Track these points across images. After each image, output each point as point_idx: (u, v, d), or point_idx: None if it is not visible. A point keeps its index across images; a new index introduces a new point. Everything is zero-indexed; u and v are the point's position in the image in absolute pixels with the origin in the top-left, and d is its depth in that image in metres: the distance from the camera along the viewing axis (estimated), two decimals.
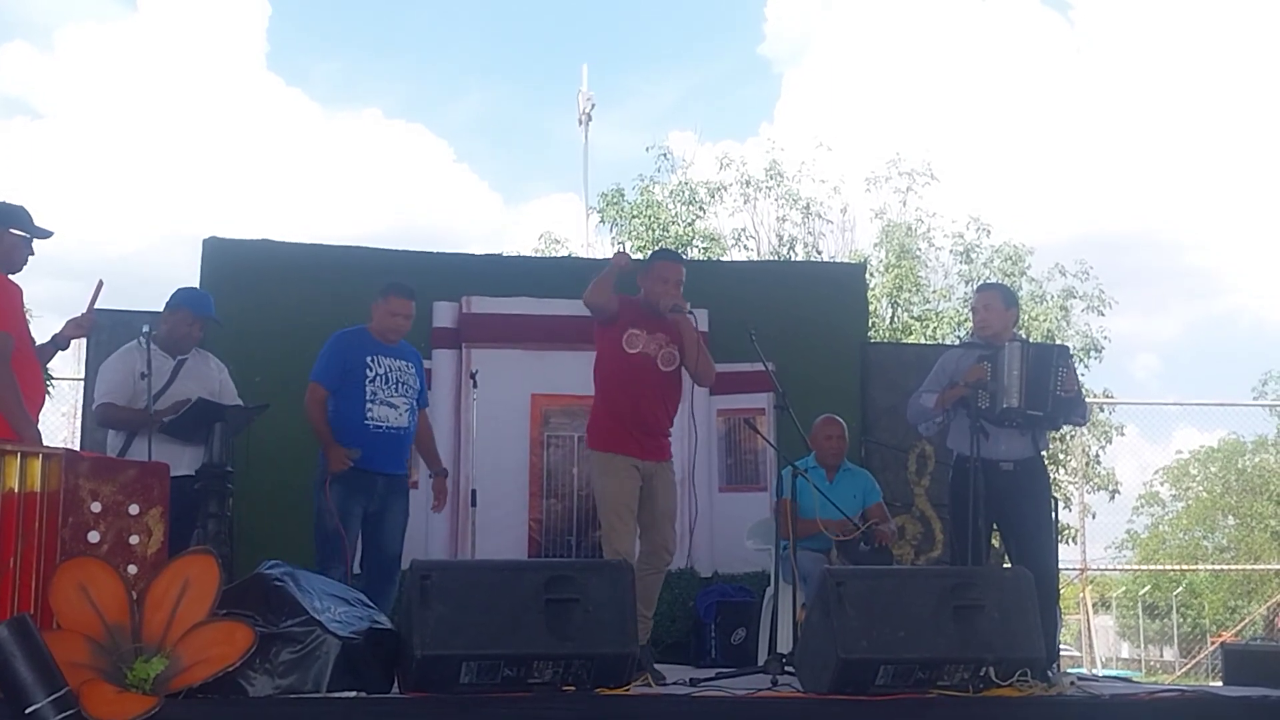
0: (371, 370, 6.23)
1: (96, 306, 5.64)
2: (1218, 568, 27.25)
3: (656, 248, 16.68)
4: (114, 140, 46.94)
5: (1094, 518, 17.71)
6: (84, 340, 7.74)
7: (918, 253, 19.51)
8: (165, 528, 4.26)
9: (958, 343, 10.76)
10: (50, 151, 46.50)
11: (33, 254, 5.13)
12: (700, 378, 6.15)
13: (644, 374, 5.95)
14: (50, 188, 42.92)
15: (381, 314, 6.35)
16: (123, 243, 47.90)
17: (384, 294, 6.37)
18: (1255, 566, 24.22)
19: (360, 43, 58.00)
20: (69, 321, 5.60)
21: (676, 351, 6.01)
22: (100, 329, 7.51)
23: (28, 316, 5.28)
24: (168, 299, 6.24)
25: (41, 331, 5.70)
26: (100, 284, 5.59)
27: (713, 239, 19.60)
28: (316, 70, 59.26)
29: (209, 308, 6.26)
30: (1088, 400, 7.38)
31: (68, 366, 10.72)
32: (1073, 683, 5.00)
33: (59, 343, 5.63)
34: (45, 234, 5.15)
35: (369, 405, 6.17)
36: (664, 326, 6.00)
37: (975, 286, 15.80)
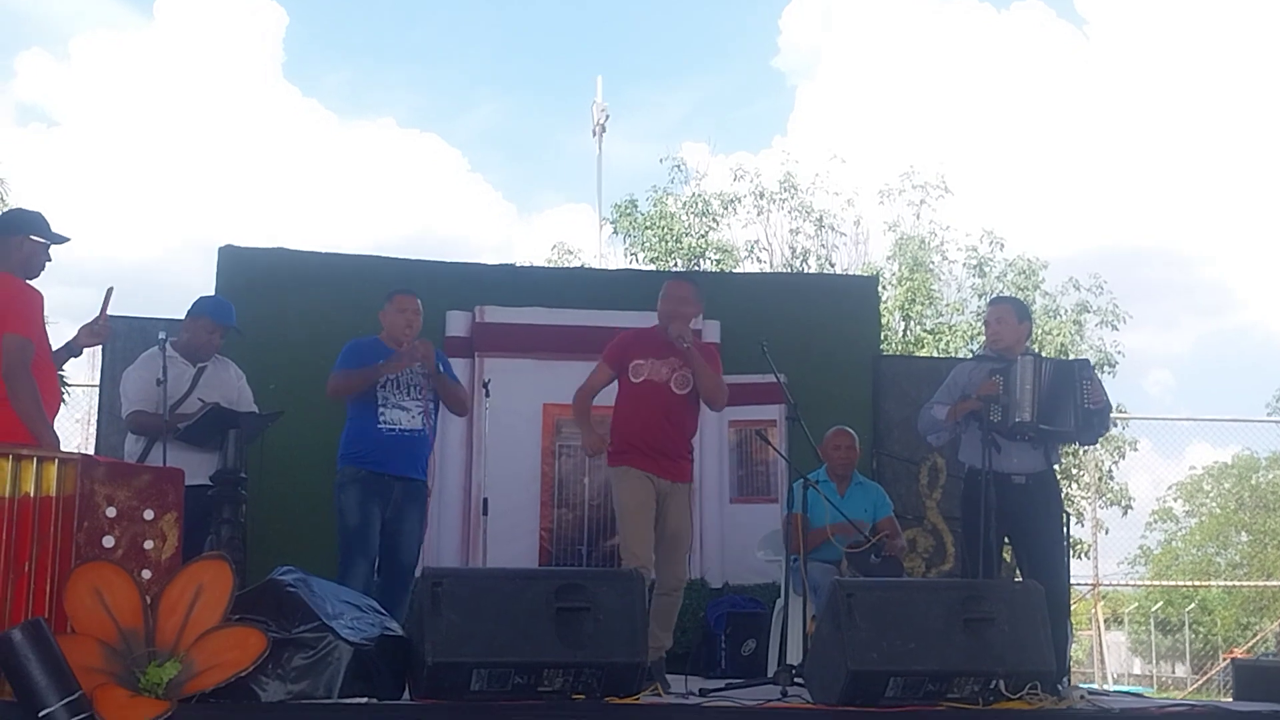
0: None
1: (109, 313, 5.67)
2: (1230, 584, 27.15)
3: (674, 266, 16.76)
4: (129, 148, 47.13)
5: (1107, 533, 17.70)
6: (99, 347, 7.79)
7: (931, 266, 19.49)
8: (179, 533, 4.27)
9: (970, 356, 10.75)
10: (66, 159, 46.71)
11: (50, 260, 5.16)
12: (711, 403, 6.12)
13: (652, 399, 5.95)
14: (66, 195, 43.13)
15: (390, 316, 6.31)
16: (138, 250, 48.13)
17: (388, 298, 6.38)
18: (1268, 583, 24.13)
19: (374, 52, 58.21)
20: (82, 328, 5.63)
21: (690, 374, 6.02)
22: (116, 336, 7.55)
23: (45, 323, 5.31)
24: (190, 306, 6.28)
25: (57, 339, 5.75)
26: (110, 290, 5.62)
27: (726, 251, 19.62)
28: (330, 79, 59.47)
29: (230, 317, 6.29)
30: None
31: (81, 373, 10.78)
32: (1083, 696, 5.00)
33: (74, 349, 5.66)
34: (62, 239, 5.18)
35: (381, 410, 6.11)
36: (676, 350, 6.01)
37: (988, 300, 15.82)
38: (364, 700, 4.05)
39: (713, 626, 7.86)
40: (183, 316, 6.31)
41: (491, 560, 7.27)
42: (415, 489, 6.24)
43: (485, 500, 7.42)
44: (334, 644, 4.07)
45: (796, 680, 5.11)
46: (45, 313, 5.10)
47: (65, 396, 8.68)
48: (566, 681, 4.21)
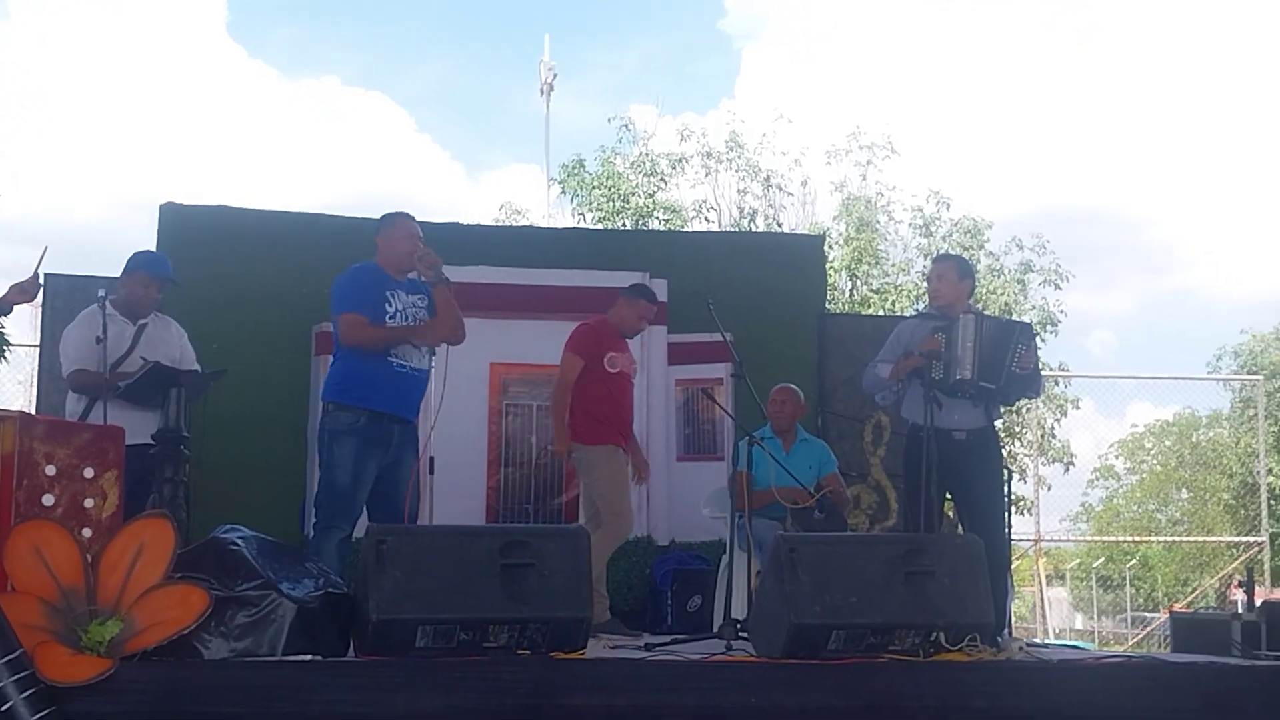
0: (391, 306, 5.65)
1: (44, 271, 5.60)
2: (1171, 539, 27.53)
3: (621, 225, 16.76)
4: (70, 106, 46.37)
5: (1049, 490, 17.91)
6: (40, 307, 7.70)
7: (877, 226, 19.59)
8: (120, 491, 4.25)
9: (914, 314, 10.83)
10: (4, 117, 45.83)
11: None
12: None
13: (627, 388, 6.70)
14: (4, 153, 42.29)
15: (397, 240, 5.76)
16: (80, 210, 47.43)
17: (390, 222, 5.85)
18: (1208, 539, 24.48)
19: (318, 7, 57.51)
20: (13, 286, 5.56)
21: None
22: (57, 295, 7.49)
23: None
24: (124, 263, 6.19)
25: None
26: (45, 250, 5.58)
27: (673, 210, 19.62)
28: (274, 35, 58.71)
29: (165, 269, 6.19)
30: (1044, 374, 7.44)
31: (23, 333, 10.63)
32: (1021, 648, 5.08)
33: (2, 307, 5.60)
34: None
35: (392, 345, 5.63)
36: (626, 345, 6.76)
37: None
38: (308, 658, 4.04)
39: (659, 583, 7.91)
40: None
41: (438, 518, 7.25)
42: (410, 431, 5.75)
43: (432, 459, 7.38)
44: (277, 601, 4.06)
45: (741, 635, 5.15)
46: None
47: (7, 354, 8.58)
48: (511, 637, 4.23)
